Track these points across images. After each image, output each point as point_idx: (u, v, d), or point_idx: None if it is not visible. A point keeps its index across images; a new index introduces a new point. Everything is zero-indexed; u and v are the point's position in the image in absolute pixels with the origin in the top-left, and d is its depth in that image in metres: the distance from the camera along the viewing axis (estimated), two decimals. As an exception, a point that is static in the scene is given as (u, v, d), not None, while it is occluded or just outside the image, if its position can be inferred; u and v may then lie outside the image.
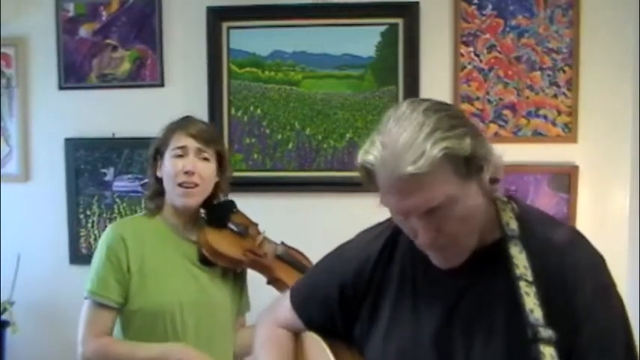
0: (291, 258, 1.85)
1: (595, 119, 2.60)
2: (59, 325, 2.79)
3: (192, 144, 1.70)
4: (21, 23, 2.83)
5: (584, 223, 2.59)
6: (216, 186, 1.77)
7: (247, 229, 1.82)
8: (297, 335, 1.30)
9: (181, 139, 1.70)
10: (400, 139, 0.95)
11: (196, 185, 1.68)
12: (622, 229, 2.58)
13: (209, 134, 1.75)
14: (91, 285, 1.67)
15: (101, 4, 2.79)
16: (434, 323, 1.06)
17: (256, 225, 1.87)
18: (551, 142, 2.62)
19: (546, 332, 0.93)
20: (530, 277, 0.98)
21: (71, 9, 2.80)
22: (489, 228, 1.06)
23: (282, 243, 1.89)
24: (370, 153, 1.00)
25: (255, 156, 2.75)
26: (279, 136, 2.74)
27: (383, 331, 1.12)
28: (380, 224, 1.22)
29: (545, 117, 2.62)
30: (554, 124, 2.62)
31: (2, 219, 2.82)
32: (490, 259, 1.05)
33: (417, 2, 2.64)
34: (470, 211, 1.00)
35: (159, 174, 1.74)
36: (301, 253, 1.90)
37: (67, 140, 2.81)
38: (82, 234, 2.81)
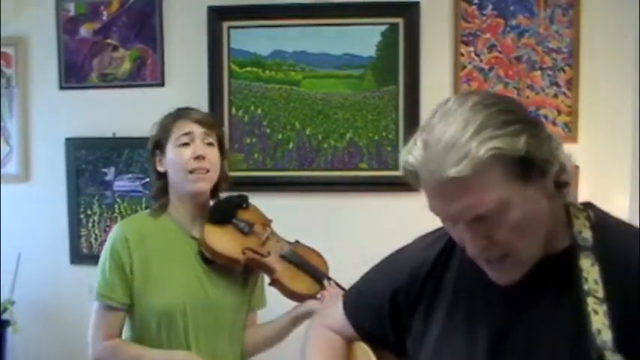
0: (296, 258, 1.76)
1: (595, 119, 2.60)
2: (59, 325, 2.79)
3: (197, 129, 1.67)
4: (21, 23, 2.83)
5: (584, 223, 2.59)
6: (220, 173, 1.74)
7: (252, 227, 1.76)
8: (349, 343, 1.23)
9: (186, 126, 1.67)
10: (443, 138, 0.86)
11: (208, 171, 1.66)
12: (622, 229, 2.57)
13: (211, 119, 1.75)
14: (98, 287, 1.66)
15: (101, 3, 2.79)
16: (489, 341, 0.97)
17: (268, 222, 1.82)
18: (552, 142, 2.62)
19: (614, 358, 0.83)
20: (600, 294, 0.87)
21: (71, 9, 2.80)
22: (558, 236, 0.95)
23: (297, 242, 1.82)
24: (411, 153, 0.90)
25: (256, 156, 2.75)
26: (280, 136, 2.74)
27: (433, 345, 1.04)
28: (439, 229, 1.08)
29: (545, 117, 2.62)
30: (554, 124, 2.62)
31: (2, 219, 2.82)
32: (557, 270, 0.94)
33: (417, 2, 2.64)
34: (527, 218, 0.89)
35: (160, 168, 1.70)
36: (317, 253, 1.81)
37: (68, 140, 2.81)
38: (82, 234, 2.81)
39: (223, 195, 1.80)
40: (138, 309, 1.66)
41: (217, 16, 2.71)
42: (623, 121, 2.58)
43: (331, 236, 2.56)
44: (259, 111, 2.74)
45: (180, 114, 1.71)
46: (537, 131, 0.89)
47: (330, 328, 1.25)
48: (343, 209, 2.65)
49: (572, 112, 2.61)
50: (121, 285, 1.64)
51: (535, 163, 0.87)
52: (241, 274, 1.76)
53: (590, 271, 0.89)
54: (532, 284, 0.94)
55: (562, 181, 0.92)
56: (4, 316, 2.71)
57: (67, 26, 2.81)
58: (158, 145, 1.71)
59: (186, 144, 1.66)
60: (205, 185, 1.68)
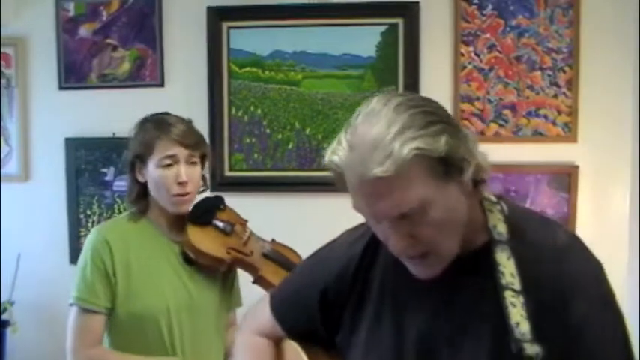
0: (278, 256, 1.81)
1: (595, 119, 2.60)
2: (59, 325, 2.76)
3: (182, 152, 1.63)
4: (21, 23, 2.83)
5: (584, 223, 2.59)
6: None
7: (233, 227, 1.78)
8: (277, 343, 1.24)
9: (169, 148, 1.62)
10: (367, 138, 0.88)
11: (190, 193, 1.66)
12: (622, 229, 2.58)
13: (195, 137, 1.68)
14: (77, 291, 1.62)
15: (101, 4, 2.79)
16: (416, 334, 0.99)
17: (245, 222, 1.84)
18: (551, 142, 2.62)
19: (532, 348, 0.86)
20: (517, 287, 0.91)
21: (71, 9, 2.80)
22: (475, 231, 0.98)
23: (273, 240, 1.86)
24: (336, 154, 0.93)
25: (256, 156, 2.75)
26: (279, 136, 2.74)
27: (363, 340, 1.06)
28: (363, 224, 1.12)
29: (545, 117, 2.62)
30: (554, 124, 2.62)
31: (2, 219, 2.82)
32: (476, 264, 0.97)
33: (417, 2, 2.64)
34: (448, 215, 0.92)
35: (141, 179, 1.67)
36: (292, 251, 1.85)
37: (67, 140, 2.81)
38: (82, 234, 2.81)
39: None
40: (121, 313, 1.63)
41: (217, 16, 2.71)
42: (623, 121, 2.58)
43: (331, 236, 2.56)
44: (259, 111, 2.74)
45: (163, 131, 1.63)
46: (456, 131, 0.91)
47: (257, 331, 1.24)
48: (343, 210, 2.64)
49: (572, 112, 2.60)
50: (104, 289, 1.61)
51: (454, 163, 0.89)
52: (220, 274, 1.77)
53: (507, 264, 0.93)
54: (456, 279, 0.98)
55: (479, 179, 0.95)
56: (4, 316, 2.71)
57: (66, 26, 2.81)
58: (139, 157, 1.66)
59: (169, 165, 1.62)
60: (187, 207, 1.69)
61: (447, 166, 0.89)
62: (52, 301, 2.81)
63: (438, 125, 0.89)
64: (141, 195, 1.70)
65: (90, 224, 2.80)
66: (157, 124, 1.66)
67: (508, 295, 0.90)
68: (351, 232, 1.17)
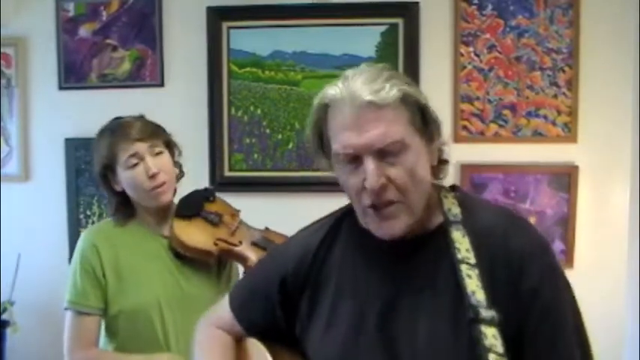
0: (268, 244, 1.78)
1: (595, 119, 2.60)
2: (59, 325, 2.76)
3: (142, 147, 1.65)
4: (21, 23, 2.83)
5: (584, 223, 2.59)
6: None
7: (221, 217, 1.77)
8: (238, 341, 1.26)
9: (129, 147, 1.64)
10: (360, 79, 1.01)
11: (165, 182, 1.67)
12: (622, 229, 2.58)
13: (150, 128, 1.70)
14: (69, 295, 1.66)
15: (101, 4, 2.79)
16: (377, 310, 1.05)
17: (236, 212, 1.83)
18: (551, 142, 2.62)
19: (488, 313, 0.94)
20: (472, 261, 0.99)
21: (71, 9, 2.80)
22: (433, 214, 1.07)
23: (266, 228, 1.84)
24: (332, 89, 1.04)
25: (256, 156, 2.75)
26: (280, 136, 2.74)
27: (324, 320, 1.10)
28: (321, 219, 1.22)
29: (545, 117, 2.62)
30: (554, 124, 2.62)
31: (2, 219, 2.82)
32: (433, 244, 1.05)
33: (417, 2, 2.64)
34: (419, 167, 1.01)
35: (117, 188, 1.70)
36: (286, 237, 1.78)
37: (67, 140, 2.81)
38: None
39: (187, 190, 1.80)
40: (114, 312, 1.65)
41: (217, 16, 2.71)
42: (622, 120, 2.58)
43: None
44: (259, 111, 2.74)
45: (119, 134, 1.66)
46: (427, 101, 1.04)
47: (217, 327, 1.27)
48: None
49: (572, 112, 2.60)
50: (94, 291, 1.64)
51: (430, 121, 1.03)
52: (215, 266, 1.77)
53: (462, 241, 1.01)
54: (414, 256, 1.05)
55: (442, 159, 1.08)
56: (4, 316, 2.71)
57: (66, 26, 2.81)
58: (107, 167, 1.68)
59: (136, 164, 1.64)
60: (167, 196, 1.70)
61: (424, 122, 1.02)
62: (52, 301, 2.80)
63: (416, 87, 1.04)
64: (123, 204, 1.72)
65: (90, 224, 2.80)
66: (112, 130, 1.69)
67: (464, 268, 0.98)
68: (307, 228, 1.23)
